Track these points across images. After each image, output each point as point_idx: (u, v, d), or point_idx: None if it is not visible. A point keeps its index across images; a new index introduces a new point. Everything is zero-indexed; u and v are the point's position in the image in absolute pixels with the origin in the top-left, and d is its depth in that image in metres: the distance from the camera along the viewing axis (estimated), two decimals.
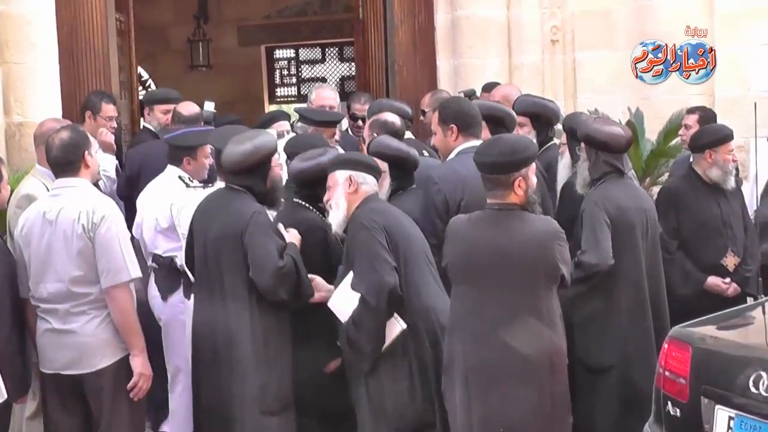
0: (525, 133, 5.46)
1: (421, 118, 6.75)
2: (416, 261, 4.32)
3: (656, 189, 6.45)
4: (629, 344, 4.76)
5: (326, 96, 6.47)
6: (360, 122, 6.76)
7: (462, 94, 6.40)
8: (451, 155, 4.84)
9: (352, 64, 14.43)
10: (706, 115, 6.62)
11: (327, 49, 15.35)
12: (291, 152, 5.13)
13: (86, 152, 4.54)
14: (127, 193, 6.18)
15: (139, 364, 4.50)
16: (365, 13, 8.66)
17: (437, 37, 7.65)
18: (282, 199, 4.77)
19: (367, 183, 4.48)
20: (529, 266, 4.00)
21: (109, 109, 6.52)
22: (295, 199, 4.79)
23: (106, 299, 4.44)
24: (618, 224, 4.74)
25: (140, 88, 12.40)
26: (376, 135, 5.26)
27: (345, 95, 11.05)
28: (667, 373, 4.11)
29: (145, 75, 14.55)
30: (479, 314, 4.00)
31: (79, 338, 4.43)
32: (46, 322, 4.50)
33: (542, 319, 3.99)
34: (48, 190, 4.75)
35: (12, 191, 5.04)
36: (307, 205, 4.77)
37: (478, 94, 6.73)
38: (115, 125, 6.61)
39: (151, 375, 4.57)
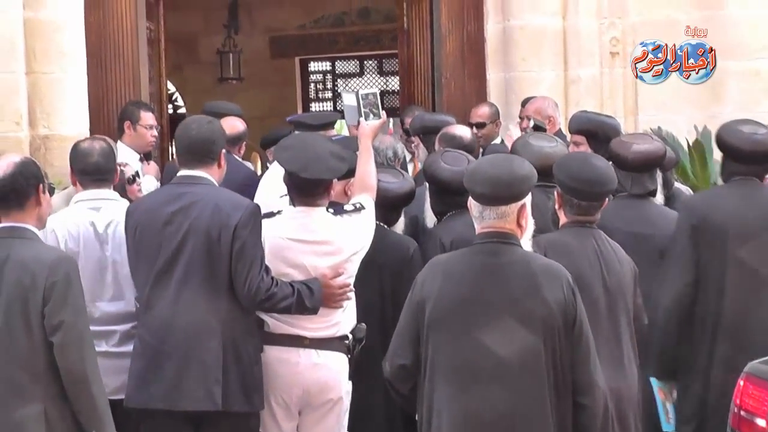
0: None
1: (474, 131, 6.68)
2: None
3: None
4: None
5: None
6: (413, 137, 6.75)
7: (532, 128, 6.13)
8: None
9: (392, 77, 14.49)
10: None
11: (365, 62, 15.41)
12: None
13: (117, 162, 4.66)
14: None
15: None
16: (410, 23, 8.69)
17: (488, 48, 7.63)
18: None
19: None
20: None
21: (148, 116, 6.55)
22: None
23: None
24: None
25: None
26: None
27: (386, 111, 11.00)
28: (743, 413, 4.04)
29: (171, 88, 14.67)
30: None
31: None
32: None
33: None
34: None
35: None
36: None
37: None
38: (155, 134, 6.65)
39: None
